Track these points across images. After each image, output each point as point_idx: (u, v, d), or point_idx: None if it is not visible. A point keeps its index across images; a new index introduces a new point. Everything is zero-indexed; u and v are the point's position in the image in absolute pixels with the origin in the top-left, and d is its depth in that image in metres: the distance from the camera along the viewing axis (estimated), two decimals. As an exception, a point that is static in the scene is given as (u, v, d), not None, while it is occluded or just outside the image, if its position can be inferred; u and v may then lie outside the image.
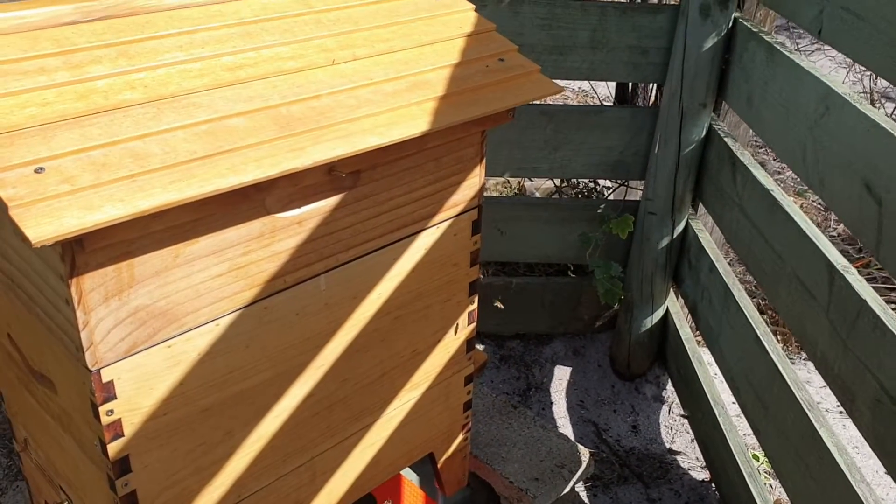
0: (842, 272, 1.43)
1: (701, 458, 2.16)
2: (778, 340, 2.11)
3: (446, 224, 1.27)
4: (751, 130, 2.11)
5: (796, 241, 1.60)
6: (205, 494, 1.12)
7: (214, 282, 1.00)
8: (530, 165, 2.24)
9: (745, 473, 1.76)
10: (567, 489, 1.81)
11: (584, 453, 1.86)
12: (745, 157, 1.90)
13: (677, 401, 2.35)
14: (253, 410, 1.13)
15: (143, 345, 0.97)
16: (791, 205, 1.67)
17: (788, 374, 1.62)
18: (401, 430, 1.39)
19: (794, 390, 1.57)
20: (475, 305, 1.41)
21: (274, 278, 1.07)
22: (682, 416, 2.16)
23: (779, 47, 1.72)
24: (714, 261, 2.03)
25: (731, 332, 1.89)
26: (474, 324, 1.43)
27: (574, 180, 2.69)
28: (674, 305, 2.37)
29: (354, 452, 1.33)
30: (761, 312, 2.59)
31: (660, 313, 2.35)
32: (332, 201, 1.09)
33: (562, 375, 2.47)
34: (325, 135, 0.98)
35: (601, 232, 2.23)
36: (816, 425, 1.48)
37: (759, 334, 1.74)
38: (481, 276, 2.59)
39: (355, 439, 1.32)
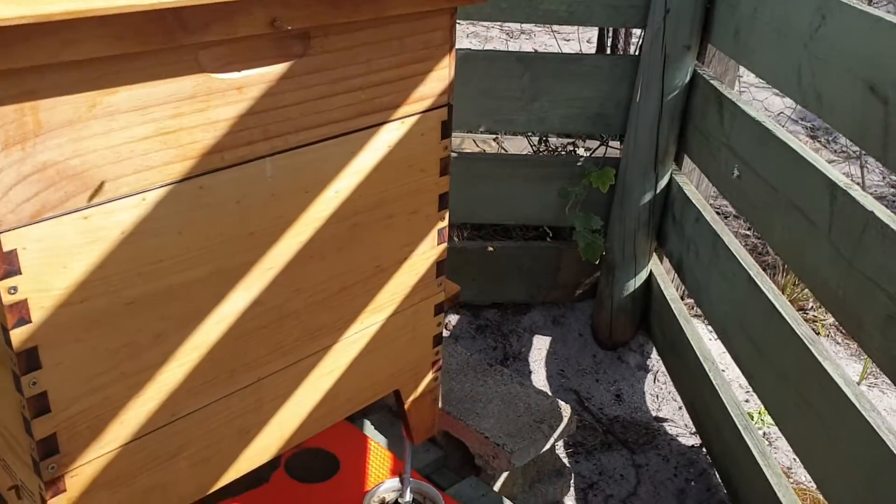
0: (844, 188, 1.32)
1: (689, 424, 2.03)
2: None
3: (412, 120, 1.14)
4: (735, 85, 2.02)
5: (792, 167, 1.49)
6: (131, 408, 0.98)
7: (139, 145, 0.87)
8: (506, 117, 2.12)
9: (739, 427, 1.64)
10: (547, 446, 1.68)
11: (565, 409, 1.73)
12: (731, 94, 1.80)
13: (663, 369, 2.23)
14: (188, 311, 0.99)
15: (54, 211, 0.83)
16: (784, 132, 1.56)
17: (786, 310, 1.50)
18: (362, 358, 1.25)
19: (794, 325, 1.45)
20: (446, 223, 1.28)
21: (210, 152, 0.93)
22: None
23: (768, -30, 1.62)
24: (701, 210, 1.92)
25: (721, 280, 1.78)
26: (445, 244, 1.30)
27: (552, 143, 2.58)
28: (657, 268, 2.25)
29: (309, 379, 1.18)
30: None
31: (643, 276, 2.23)
32: (278, 69, 0.95)
33: (541, 345, 2.34)
34: (268, -28, 0.85)
35: (581, 186, 2.11)
36: (820, 358, 1.36)
37: (752, 275, 1.63)
38: (455, 240, 2.46)
39: (310, 363, 1.17)
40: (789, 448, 1.90)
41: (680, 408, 2.10)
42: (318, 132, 1.03)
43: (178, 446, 1.06)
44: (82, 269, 0.87)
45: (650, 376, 2.23)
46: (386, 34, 1.05)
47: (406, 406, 1.39)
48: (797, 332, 1.44)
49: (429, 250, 1.27)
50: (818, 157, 1.45)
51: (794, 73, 1.49)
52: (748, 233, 2.92)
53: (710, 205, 2.00)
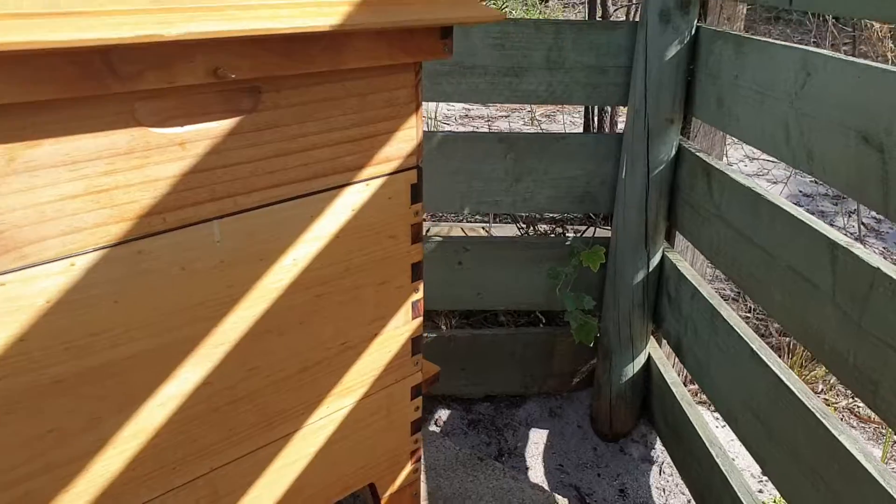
0: (846, 247, 1.24)
1: (699, 518, 1.88)
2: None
3: (378, 182, 1.06)
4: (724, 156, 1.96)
5: (788, 231, 1.41)
6: (58, 502, 0.86)
7: (67, 205, 0.79)
8: (491, 199, 2.06)
9: (752, 515, 1.50)
10: (545, 545, 1.53)
11: (562, 503, 1.59)
12: (719, 164, 1.74)
13: (668, 460, 2.08)
14: (126, 392, 0.89)
15: (-37, 276, 0.74)
16: (776, 196, 1.49)
17: (794, 383, 1.39)
18: (330, 448, 1.14)
19: (804, 399, 1.34)
20: (420, 295, 1.19)
21: (149, 214, 0.85)
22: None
23: (747, 36, 1.59)
24: (696, 286, 1.83)
25: (723, 357, 1.67)
26: (420, 318, 1.21)
27: (540, 227, 2.51)
28: (656, 352, 2.14)
29: (269, 471, 1.07)
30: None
31: (641, 360, 2.12)
32: (225, 124, 0.89)
33: (537, 439, 2.20)
34: (207, 15, 0.79)
35: (571, 266, 2.03)
36: (835, 432, 1.24)
37: (754, 349, 1.52)
38: (443, 329, 2.36)
39: (269, 453, 1.06)
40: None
41: (689, 501, 1.95)
42: (271, 193, 0.95)
43: (117, 550, 0.94)
44: (0, 342, 0.77)
45: (655, 468, 2.09)
46: (345, 90, 0.99)
47: (383, 502, 1.26)
48: (808, 405, 1.32)
49: (401, 325, 1.18)
50: (814, 218, 1.37)
51: (783, 133, 1.43)
52: (748, 315, 2.82)
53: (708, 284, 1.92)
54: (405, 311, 1.17)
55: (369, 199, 1.06)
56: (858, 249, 1.22)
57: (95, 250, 0.82)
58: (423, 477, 1.66)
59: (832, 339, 1.27)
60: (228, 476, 1.02)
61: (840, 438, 1.23)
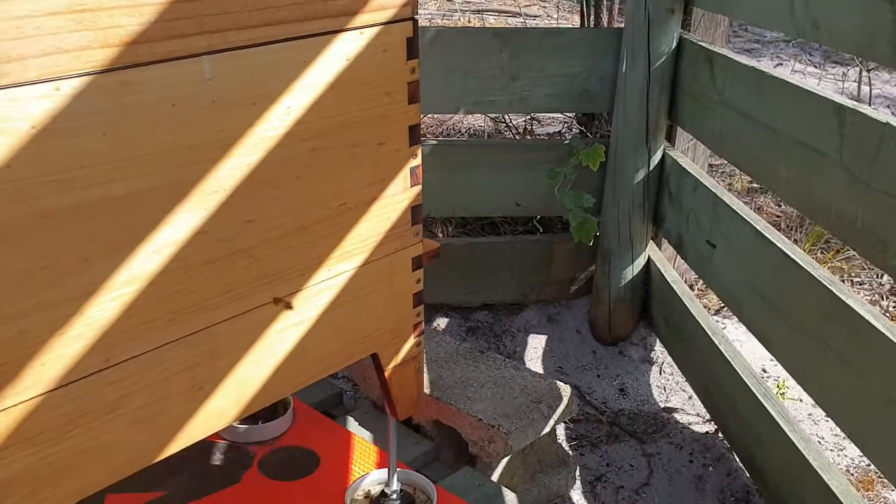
0: (853, 108, 1.21)
1: (702, 413, 1.88)
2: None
3: (372, 32, 1.02)
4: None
5: (792, 103, 1.38)
6: (54, 347, 0.84)
7: (48, 21, 0.75)
8: (487, 98, 2.02)
9: (758, 395, 1.49)
10: (547, 428, 1.52)
11: (565, 389, 1.58)
12: (722, 50, 1.70)
13: (668, 360, 2.08)
14: (119, 234, 0.86)
15: (-57, 91, 0.70)
16: (780, 72, 1.45)
17: (799, 256, 1.37)
18: (332, 313, 1.11)
19: (811, 269, 1.32)
20: (419, 161, 1.16)
21: (135, 42, 0.81)
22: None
23: None
24: (698, 178, 1.80)
25: (725, 243, 1.65)
26: (419, 187, 1.17)
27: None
28: (656, 254, 2.13)
29: (270, 332, 1.04)
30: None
31: (641, 262, 2.11)
32: (214, -49, 0.84)
33: (536, 344, 2.19)
34: None
35: (570, 166, 2.00)
36: (842, 296, 1.23)
37: (759, 229, 1.50)
38: (440, 237, 2.33)
39: (270, 313, 1.04)
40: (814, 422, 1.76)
41: (690, 397, 1.95)
42: (263, 32, 0.91)
43: (116, 399, 0.91)
44: (-17, 167, 0.74)
45: (655, 368, 2.08)
46: (337, -73, 0.94)
47: (386, 374, 1.24)
48: (815, 275, 1.31)
49: (401, 192, 1.15)
50: (818, 87, 1.34)
51: (787, 6, 1.39)
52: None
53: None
54: (404, 176, 1.14)
55: (364, 49, 1.02)
56: (865, 108, 1.20)
57: (80, 76, 0.78)
58: (423, 368, 1.65)
59: (840, 205, 1.25)
60: (228, 333, 0.99)
61: (848, 302, 1.21)
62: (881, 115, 1.16)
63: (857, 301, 1.21)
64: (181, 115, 0.87)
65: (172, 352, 0.95)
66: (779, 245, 1.42)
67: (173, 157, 0.88)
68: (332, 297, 1.11)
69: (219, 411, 1.02)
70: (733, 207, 1.61)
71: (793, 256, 1.37)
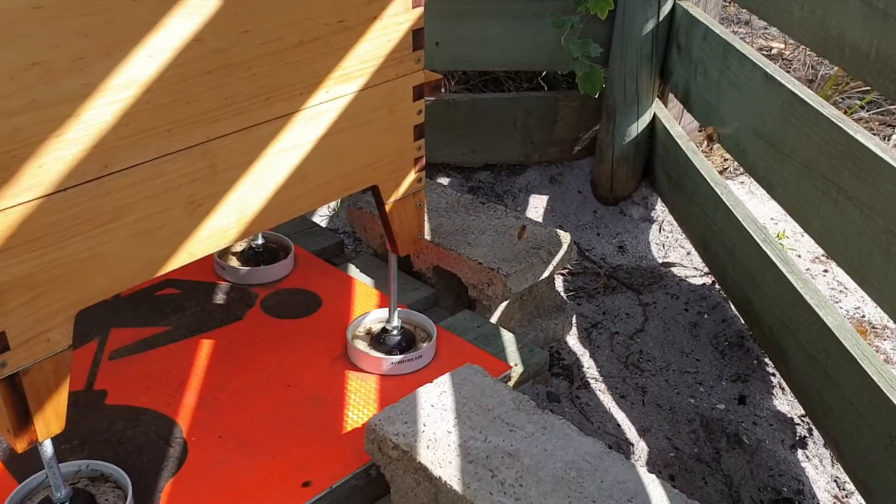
0: (875, -68, 1.15)
1: (699, 267, 1.90)
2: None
3: None
4: None
5: (813, -68, 1.31)
6: (51, 149, 0.82)
7: None
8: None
9: (758, 240, 1.49)
10: (546, 273, 1.54)
11: (565, 237, 1.58)
12: None
13: (669, 219, 2.08)
14: (112, 34, 0.83)
15: None
16: None
17: (808, 96, 1.34)
18: (332, 138, 1.10)
19: (819, 107, 1.30)
20: (421, -20, 1.11)
21: None
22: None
23: None
24: (709, 26, 1.75)
25: (734, 90, 1.61)
26: (421, 9, 1.14)
27: None
28: (661, 111, 2.09)
29: (270, 152, 1.03)
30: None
31: (646, 119, 2.07)
32: None
33: (537, 204, 2.19)
34: None
35: (577, 15, 1.93)
36: (850, 132, 1.21)
37: (768, 72, 1.47)
38: (441, 92, 2.29)
39: (269, 131, 1.02)
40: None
41: (688, 253, 1.96)
42: None
43: (115, 209, 0.91)
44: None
45: (655, 227, 2.09)
46: None
47: (387, 208, 1.24)
48: (823, 112, 1.28)
49: (402, 13, 1.11)
50: (843, -85, 1.28)
51: None
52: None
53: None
54: (405, -4, 1.10)
55: None
56: (891, -68, 1.14)
57: None
58: (424, 216, 1.65)
59: (854, 37, 1.21)
60: (227, 149, 0.98)
61: (856, 136, 1.20)
62: (905, -63, 1.11)
63: (865, 135, 1.19)
64: None
65: (171, 164, 0.94)
66: (788, 86, 1.39)
67: (165, -45, 0.84)
68: (331, 122, 1.09)
69: (219, 231, 1.02)
70: (744, 52, 1.57)
71: (802, 96, 1.35)
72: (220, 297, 1.54)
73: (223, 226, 1.02)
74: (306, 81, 1.04)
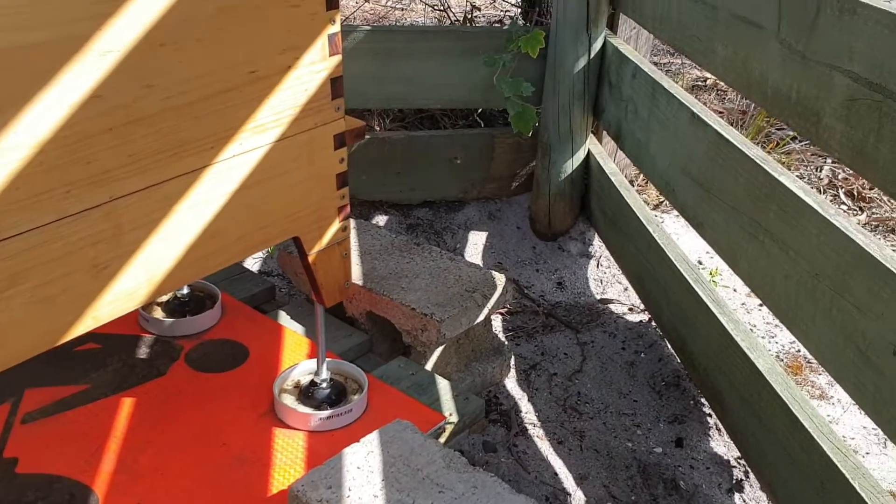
0: (791, -24, 1.16)
1: (636, 303, 1.89)
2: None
3: None
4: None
5: (732, -25, 1.32)
6: (-69, 216, 0.77)
7: None
8: (422, -18, 1.92)
9: (689, 280, 1.49)
10: (481, 317, 1.51)
11: (500, 278, 1.56)
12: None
13: (606, 254, 2.07)
14: (5, 89, 0.78)
15: None
16: (723, -55, 1.39)
17: (734, 136, 1.35)
18: (247, 191, 1.06)
19: (744, 149, 1.30)
20: (337, 28, 1.09)
21: None
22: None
23: None
24: (638, 64, 1.75)
25: (662, 129, 1.62)
26: (339, 57, 1.11)
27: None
28: (595, 147, 2.09)
29: (180, 209, 0.99)
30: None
31: (581, 155, 2.07)
32: None
33: (477, 240, 2.17)
34: None
35: (509, 53, 1.93)
36: (774, 174, 1.21)
37: (695, 112, 1.47)
38: (377, 130, 2.27)
39: (178, 188, 0.98)
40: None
41: (626, 289, 1.95)
42: None
43: (10, 276, 0.86)
44: None
45: (593, 262, 2.08)
46: None
47: (310, 259, 1.20)
48: (748, 154, 1.29)
49: (318, 61, 1.08)
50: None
51: None
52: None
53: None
54: (321, 44, 1.07)
55: None
56: (806, -24, 1.15)
57: None
58: (357, 260, 1.61)
59: (776, 80, 1.22)
60: (132, 208, 0.94)
61: (780, 179, 1.20)
62: (821, -20, 1.12)
63: (789, 178, 1.19)
64: (62, -38, 0.79)
65: (72, 226, 0.89)
66: (714, 126, 1.40)
67: (61, 10, 0.80)
68: (246, 175, 1.05)
69: (126, 292, 0.97)
70: (671, 91, 1.58)
71: (728, 137, 1.35)
72: (143, 351, 1.48)
73: (131, 287, 0.97)
74: (217, 135, 1.00)
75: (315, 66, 1.08)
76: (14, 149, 0.81)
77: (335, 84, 1.12)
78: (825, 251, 1.09)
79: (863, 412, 1.18)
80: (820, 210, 1.10)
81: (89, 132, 0.87)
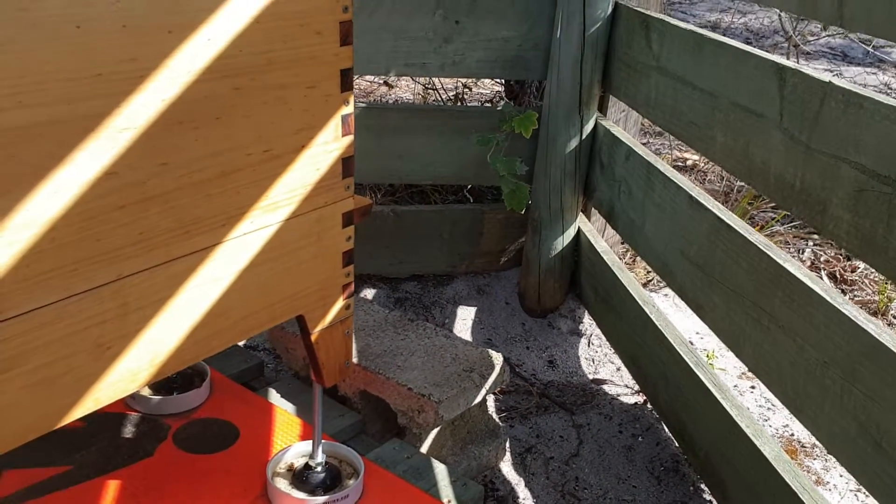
0: (794, 68, 1.19)
1: (630, 384, 1.87)
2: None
3: (302, -36, 0.95)
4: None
5: (732, 66, 1.36)
6: (-64, 295, 0.74)
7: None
8: (418, 61, 1.95)
9: (690, 363, 1.48)
10: (479, 397, 1.48)
11: (497, 358, 1.54)
12: (658, 15, 1.67)
13: (597, 332, 2.06)
14: (14, 171, 0.76)
15: None
16: (718, 35, 1.43)
17: (734, 221, 1.36)
18: (256, 270, 1.04)
19: (746, 234, 1.31)
20: (351, 109, 1.08)
21: (34, -50, 0.71)
22: None
23: None
24: (631, 146, 1.78)
25: (658, 211, 1.63)
26: (351, 137, 1.10)
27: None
28: (585, 225, 2.10)
29: (187, 287, 0.96)
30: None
31: (571, 233, 2.08)
32: None
33: (465, 315, 2.15)
34: None
35: (502, 133, 1.95)
36: (779, 260, 1.22)
37: (693, 195, 1.49)
38: (368, 204, 2.26)
39: (187, 266, 0.95)
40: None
41: (618, 369, 1.94)
42: (182, -48, 0.82)
43: (10, 358, 0.82)
44: None
45: (584, 340, 2.06)
46: None
47: (313, 337, 1.17)
48: (751, 240, 1.29)
49: (331, 141, 1.08)
50: (758, 50, 1.32)
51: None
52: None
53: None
54: (335, 125, 1.07)
55: (294, -18, 0.94)
56: (807, 69, 1.18)
57: (-33, -15, 0.68)
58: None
59: (778, 168, 1.23)
60: (140, 288, 0.91)
61: (785, 266, 1.20)
62: (823, 74, 1.15)
63: (794, 265, 1.20)
64: (87, 39, 0.78)
65: (77, 306, 0.86)
66: (714, 211, 1.41)
67: (77, 87, 0.78)
68: (256, 252, 1.03)
69: (129, 373, 0.94)
70: (668, 175, 1.59)
71: (728, 222, 1.36)
72: (128, 430, 1.43)
73: (133, 368, 0.94)
74: (229, 213, 0.98)
75: (328, 145, 1.07)
76: (25, 227, 0.79)
77: (346, 163, 1.12)
78: (834, 339, 1.09)
79: (859, 499, 1.16)
80: (828, 298, 1.10)
81: (101, 210, 0.84)
